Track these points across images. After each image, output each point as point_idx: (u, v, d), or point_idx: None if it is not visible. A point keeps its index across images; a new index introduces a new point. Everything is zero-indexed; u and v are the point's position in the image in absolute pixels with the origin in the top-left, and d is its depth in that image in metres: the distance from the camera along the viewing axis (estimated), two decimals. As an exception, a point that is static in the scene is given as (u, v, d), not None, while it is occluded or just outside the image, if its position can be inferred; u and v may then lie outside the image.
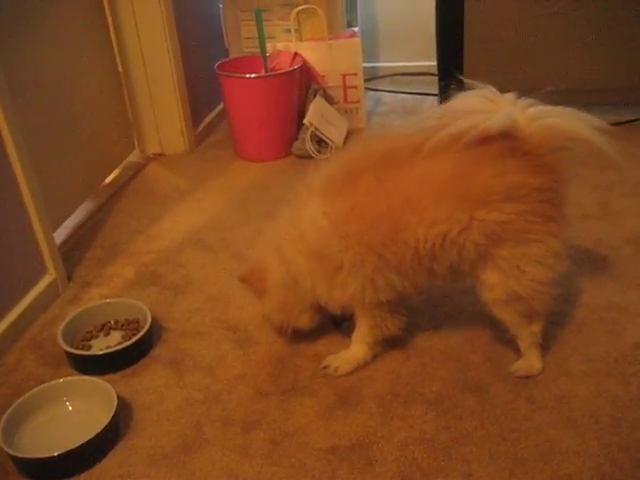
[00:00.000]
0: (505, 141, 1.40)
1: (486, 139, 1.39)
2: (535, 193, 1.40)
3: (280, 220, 1.60)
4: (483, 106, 1.43)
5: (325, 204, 1.47)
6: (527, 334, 1.57)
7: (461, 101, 1.47)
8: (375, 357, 1.67)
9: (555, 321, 1.74)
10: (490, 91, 1.46)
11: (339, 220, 1.46)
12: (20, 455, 1.42)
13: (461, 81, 2.89)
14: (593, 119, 1.43)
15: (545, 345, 1.65)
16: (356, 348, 1.65)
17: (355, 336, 1.66)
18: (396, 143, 1.49)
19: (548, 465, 1.36)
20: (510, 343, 1.66)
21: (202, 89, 3.11)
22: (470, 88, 1.49)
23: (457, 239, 1.42)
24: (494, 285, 1.48)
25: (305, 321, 1.66)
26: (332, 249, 1.47)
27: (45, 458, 1.40)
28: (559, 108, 1.44)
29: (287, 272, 1.57)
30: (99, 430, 1.43)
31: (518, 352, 1.63)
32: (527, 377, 1.58)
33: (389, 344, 1.67)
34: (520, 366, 1.60)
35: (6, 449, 1.41)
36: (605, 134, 1.41)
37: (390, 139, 1.54)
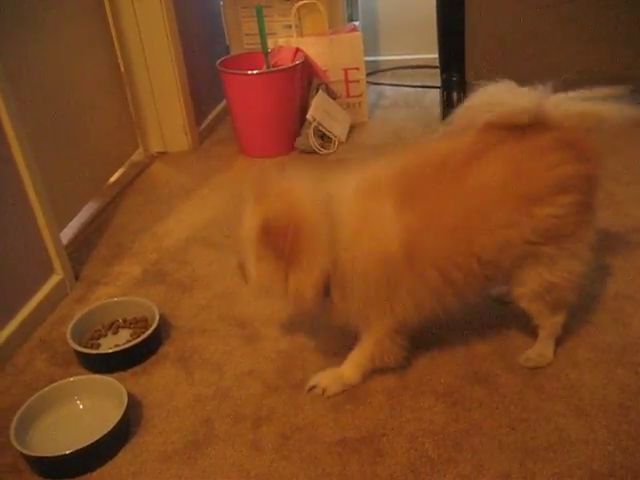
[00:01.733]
0: (544, 134, 1.39)
1: (525, 135, 1.38)
2: (583, 181, 1.40)
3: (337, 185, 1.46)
4: (505, 97, 1.43)
5: (396, 214, 1.39)
6: (550, 324, 1.57)
7: (483, 95, 1.46)
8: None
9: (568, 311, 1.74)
10: (510, 84, 1.45)
11: (409, 235, 1.38)
12: (32, 453, 1.43)
13: (463, 74, 2.89)
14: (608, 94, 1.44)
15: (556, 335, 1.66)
16: (348, 371, 1.59)
17: (352, 358, 1.59)
18: (446, 150, 1.44)
19: (558, 454, 1.36)
20: (518, 334, 1.66)
21: (204, 87, 3.12)
22: (474, 85, 1.48)
23: (516, 240, 1.40)
24: (529, 279, 1.48)
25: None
26: (399, 265, 1.40)
27: (57, 456, 1.41)
28: (577, 92, 1.44)
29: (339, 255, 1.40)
30: (110, 428, 1.44)
31: (526, 343, 1.63)
32: (537, 368, 1.58)
33: (381, 372, 1.62)
34: (531, 355, 1.60)
35: (18, 448, 1.42)
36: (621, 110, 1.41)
37: (440, 145, 1.49)
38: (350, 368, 1.59)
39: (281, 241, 1.35)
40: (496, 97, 1.44)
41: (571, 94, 1.44)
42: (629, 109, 1.41)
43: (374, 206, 1.41)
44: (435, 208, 1.40)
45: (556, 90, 1.44)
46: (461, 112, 1.48)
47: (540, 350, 1.60)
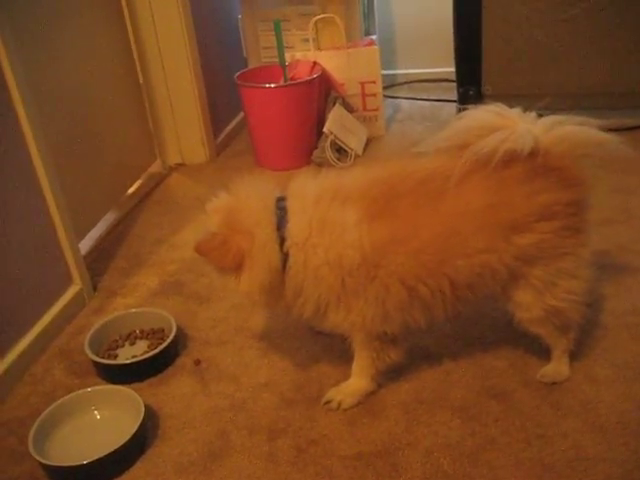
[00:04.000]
0: (528, 159, 1.38)
1: (509, 161, 1.37)
2: (566, 207, 1.40)
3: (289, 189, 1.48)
4: (494, 123, 1.41)
5: (363, 224, 1.38)
6: (563, 342, 1.57)
7: (471, 119, 1.46)
8: (398, 364, 1.65)
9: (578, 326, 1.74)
10: (498, 107, 1.44)
11: (375, 247, 1.37)
12: (50, 463, 1.44)
13: (480, 87, 2.90)
14: (599, 123, 1.43)
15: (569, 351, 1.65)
16: (358, 381, 1.59)
17: (355, 368, 1.60)
18: (428, 171, 1.42)
19: (575, 471, 1.36)
20: (533, 349, 1.66)
21: (222, 99, 3.14)
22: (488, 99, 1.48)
23: (496, 266, 1.40)
24: (530, 304, 1.47)
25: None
26: (359, 274, 1.39)
27: (74, 466, 1.42)
28: (567, 117, 1.43)
29: (293, 258, 1.42)
30: (127, 438, 1.45)
31: (542, 358, 1.63)
32: (554, 383, 1.58)
33: (395, 372, 1.63)
34: (548, 372, 1.60)
35: (36, 457, 1.43)
36: (615, 137, 1.42)
37: (422, 162, 1.47)
38: (358, 377, 1.60)
39: (216, 257, 1.44)
40: (484, 123, 1.42)
41: (559, 118, 1.43)
42: (616, 138, 1.42)
43: (336, 212, 1.40)
44: (408, 224, 1.38)
45: (555, 107, 1.44)
46: (449, 134, 1.47)
47: (556, 367, 1.60)
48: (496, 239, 1.38)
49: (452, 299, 1.44)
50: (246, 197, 1.47)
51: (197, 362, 1.76)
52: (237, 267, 1.43)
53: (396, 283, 1.39)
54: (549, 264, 1.42)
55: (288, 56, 2.93)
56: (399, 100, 3.55)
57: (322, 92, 2.92)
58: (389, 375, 1.63)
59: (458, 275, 1.40)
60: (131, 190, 2.77)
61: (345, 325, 1.48)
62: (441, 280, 1.40)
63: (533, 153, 1.38)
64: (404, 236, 1.37)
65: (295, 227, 1.41)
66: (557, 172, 1.40)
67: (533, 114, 1.44)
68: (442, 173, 1.39)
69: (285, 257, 1.42)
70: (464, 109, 1.49)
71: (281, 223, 1.42)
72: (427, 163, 1.46)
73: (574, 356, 1.63)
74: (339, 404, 1.57)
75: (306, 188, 1.46)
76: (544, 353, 1.65)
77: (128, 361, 1.73)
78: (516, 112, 1.44)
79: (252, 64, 3.27)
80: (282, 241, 1.41)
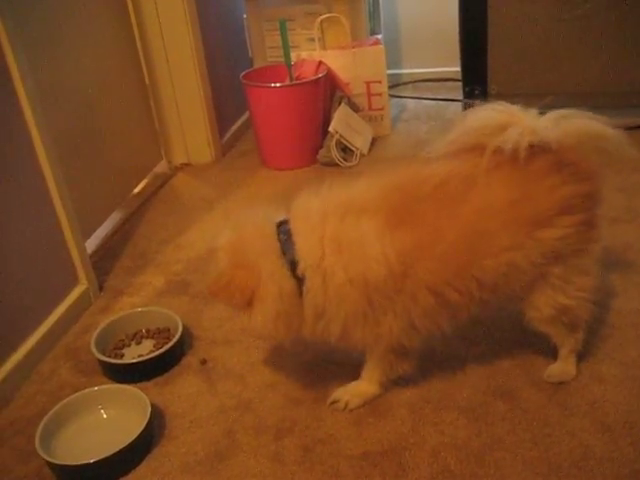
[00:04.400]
0: (541, 156, 1.37)
1: (525, 157, 1.37)
2: (584, 201, 1.39)
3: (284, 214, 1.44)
4: (503, 120, 1.40)
5: (385, 235, 1.34)
6: (571, 342, 1.56)
7: (478, 118, 1.45)
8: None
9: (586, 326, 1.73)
10: (502, 105, 1.43)
11: (401, 257, 1.33)
12: (57, 461, 1.45)
13: (485, 86, 2.89)
14: (604, 119, 1.43)
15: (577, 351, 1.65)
16: (366, 385, 1.59)
17: (366, 374, 1.59)
18: (445, 171, 1.40)
19: (582, 471, 1.35)
20: (540, 348, 1.65)
21: (227, 99, 3.14)
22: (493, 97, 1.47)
23: (521, 264, 1.38)
24: (543, 304, 1.46)
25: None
26: (386, 288, 1.35)
27: (81, 465, 1.43)
28: (571, 111, 1.42)
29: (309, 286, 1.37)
30: (134, 437, 1.45)
31: (549, 357, 1.62)
32: (560, 383, 1.58)
33: (404, 382, 1.62)
34: (554, 372, 1.59)
35: (43, 455, 1.44)
36: (621, 133, 1.42)
37: (435, 166, 1.44)
38: (367, 382, 1.59)
39: (226, 297, 1.40)
40: (491, 121, 1.41)
41: (564, 112, 1.42)
42: (622, 134, 1.41)
43: (352, 227, 1.35)
44: (432, 228, 1.35)
45: (560, 105, 1.43)
46: (457, 135, 1.47)
47: (562, 367, 1.60)
48: (520, 235, 1.36)
49: (478, 301, 1.42)
50: (245, 229, 1.44)
51: (203, 361, 1.76)
52: (248, 304, 1.38)
53: (424, 291, 1.36)
54: (567, 261, 1.42)
55: (293, 56, 2.93)
56: (404, 99, 3.55)
57: (327, 91, 2.92)
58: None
59: (485, 275, 1.38)
60: (137, 190, 2.78)
61: (370, 340, 1.44)
62: (469, 282, 1.38)
63: (544, 148, 1.37)
64: (429, 241, 1.34)
65: (305, 248, 1.37)
66: (571, 166, 1.39)
67: (535, 111, 1.43)
68: (458, 175, 1.38)
69: (300, 281, 1.37)
70: (471, 104, 1.48)
71: (286, 247, 1.38)
72: (441, 166, 1.43)
73: (581, 355, 1.63)
74: (346, 404, 1.57)
75: (309, 207, 1.42)
76: (551, 352, 1.64)
77: (134, 360, 1.73)
78: (519, 109, 1.43)
79: (257, 64, 3.27)
80: (293, 265, 1.37)
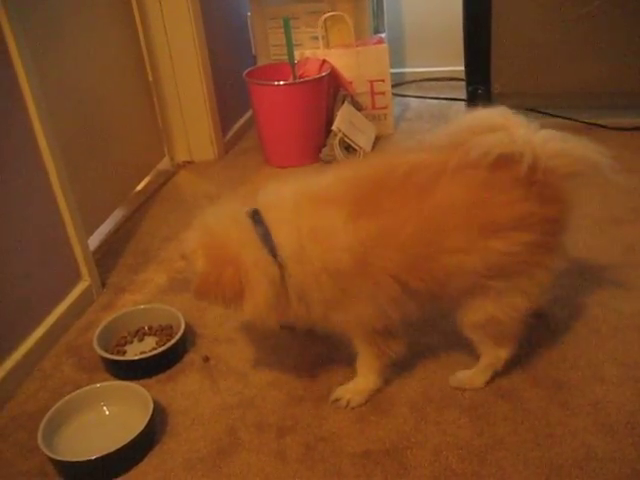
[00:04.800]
0: (515, 167, 1.35)
1: (497, 164, 1.36)
2: (542, 223, 1.38)
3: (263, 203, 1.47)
4: (497, 123, 1.40)
5: (349, 224, 1.37)
6: (492, 355, 1.56)
7: (475, 117, 1.45)
8: (407, 363, 1.67)
9: (589, 326, 1.73)
10: (502, 110, 1.43)
11: (364, 245, 1.36)
12: (59, 458, 1.45)
13: (489, 86, 2.89)
14: (596, 147, 1.41)
15: (578, 350, 1.65)
16: (364, 379, 1.59)
17: (361, 367, 1.59)
18: (416, 162, 1.42)
19: (584, 471, 1.35)
20: (543, 348, 1.66)
21: (231, 97, 3.14)
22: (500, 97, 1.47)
23: (467, 268, 1.38)
24: (476, 310, 1.46)
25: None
26: (354, 275, 1.38)
27: (83, 461, 1.43)
28: (565, 134, 1.41)
29: (290, 273, 1.41)
30: (136, 434, 1.45)
31: (551, 357, 1.63)
32: (458, 388, 1.58)
33: (403, 371, 1.64)
34: (459, 376, 1.60)
35: (46, 451, 1.44)
36: (611, 162, 1.40)
37: (409, 157, 1.46)
38: (364, 376, 1.60)
39: (216, 295, 1.42)
40: (484, 124, 1.41)
41: (560, 134, 1.41)
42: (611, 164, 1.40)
43: (322, 217, 1.39)
44: (395, 218, 1.37)
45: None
46: (452, 130, 1.47)
47: (473, 375, 1.59)
48: (472, 240, 1.36)
49: (440, 296, 1.44)
50: (217, 226, 1.45)
51: (206, 359, 1.76)
52: (239, 296, 1.41)
53: (387, 278, 1.38)
54: (510, 278, 1.41)
55: (297, 54, 2.93)
56: (408, 98, 3.54)
57: (331, 90, 2.92)
58: (397, 372, 1.64)
59: (440, 271, 1.39)
60: (139, 187, 2.77)
61: (346, 325, 1.49)
62: (428, 274, 1.39)
63: (523, 163, 1.35)
64: (391, 230, 1.37)
65: (283, 238, 1.40)
66: (540, 185, 1.37)
67: (536, 124, 1.41)
68: (428, 167, 1.39)
69: (282, 268, 1.40)
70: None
71: (265, 237, 1.40)
72: (411, 158, 1.44)
73: (583, 356, 1.63)
74: (348, 402, 1.57)
75: (281, 197, 1.45)
76: (553, 352, 1.65)
77: (137, 357, 1.74)
78: (520, 119, 1.42)
79: (261, 62, 3.27)
80: (274, 253, 1.39)
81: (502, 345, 1.54)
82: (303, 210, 1.41)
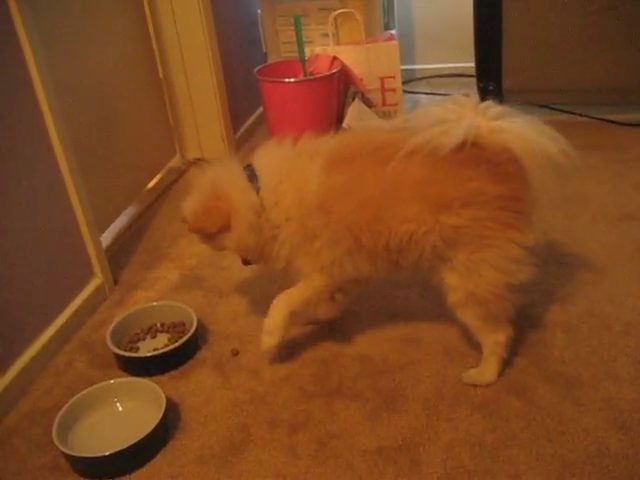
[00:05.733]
0: (470, 148, 1.43)
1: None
2: (494, 200, 1.44)
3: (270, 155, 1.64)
4: (445, 116, 1.47)
5: (322, 174, 1.53)
6: (491, 342, 1.58)
7: (426, 112, 1.56)
8: (419, 360, 1.69)
9: (601, 323, 1.73)
10: (456, 99, 1.50)
11: (328, 193, 1.51)
12: (73, 453, 1.46)
13: (500, 82, 2.88)
14: (552, 135, 1.44)
15: (590, 347, 1.65)
16: (278, 314, 1.65)
17: (287, 291, 1.67)
18: (387, 139, 1.54)
19: (597, 468, 1.35)
20: (555, 345, 1.66)
21: (241, 94, 3.15)
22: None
23: (421, 239, 1.49)
24: (455, 287, 1.52)
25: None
26: (317, 218, 1.53)
27: (97, 457, 1.44)
28: (521, 121, 1.45)
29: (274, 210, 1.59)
30: (149, 430, 1.46)
31: (563, 354, 1.63)
32: (474, 385, 1.59)
33: (415, 367, 1.67)
34: (471, 373, 1.61)
35: (60, 447, 1.45)
36: (562, 151, 1.43)
37: (383, 134, 1.62)
38: (280, 302, 1.66)
39: (208, 225, 1.61)
40: (434, 116, 1.48)
41: (511, 124, 1.45)
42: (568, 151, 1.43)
43: (304, 164, 1.56)
44: (358, 179, 1.51)
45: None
46: (400, 122, 1.64)
47: (481, 369, 1.61)
48: (424, 212, 1.46)
49: (387, 259, 1.55)
50: (215, 172, 1.65)
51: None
52: (228, 226, 1.59)
53: (344, 229, 1.52)
54: (473, 252, 1.48)
55: (307, 51, 2.93)
56: (418, 95, 3.54)
57: (341, 87, 2.92)
58: (408, 370, 1.64)
59: (391, 236, 1.50)
60: (151, 184, 2.78)
61: (307, 268, 1.61)
62: (377, 237, 1.51)
63: (476, 145, 1.43)
64: (352, 188, 1.51)
65: (266, 176, 1.59)
66: (492, 166, 1.44)
67: (491, 105, 1.47)
68: (394, 145, 1.47)
69: (261, 201, 1.58)
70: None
71: (252, 178, 1.60)
72: (387, 134, 1.60)
73: (595, 353, 1.63)
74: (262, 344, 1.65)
75: (270, 151, 1.65)
76: (565, 350, 1.65)
77: (149, 354, 1.74)
78: (473, 104, 1.48)
79: (272, 59, 3.27)
80: (257, 191, 1.58)
81: (496, 328, 1.57)
82: (287, 159, 1.61)
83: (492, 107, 1.47)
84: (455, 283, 1.52)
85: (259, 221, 1.58)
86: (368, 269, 1.58)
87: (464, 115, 1.46)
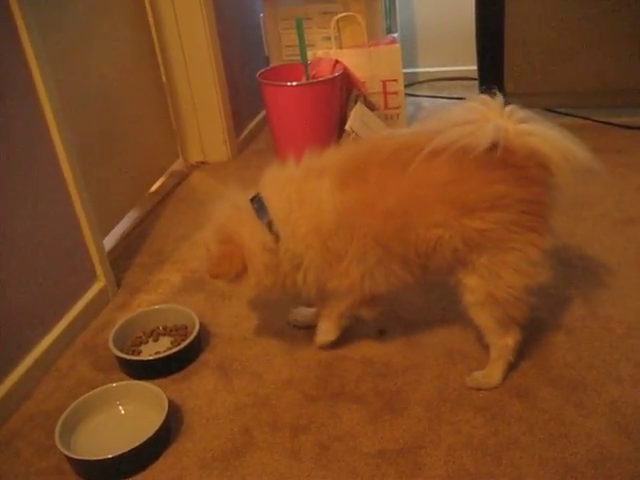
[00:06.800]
0: (495, 151, 1.41)
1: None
2: (518, 204, 1.43)
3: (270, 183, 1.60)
4: (470, 116, 1.45)
5: (336, 191, 1.48)
6: (500, 345, 1.58)
7: (452, 113, 1.50)
8: (421, 363, 1.68)
9: (604, 326, 1.73)
10: (482, 99, 1.47)
11: (347, 210, 1.47)
12: (76, 456, 1.46)
13: (502, 85, 2.88)
14: (576, 143, 1.43)
15: (593, 350, 1.65)
16: (328, 320, 1.71)
17: (325, 318, 1.71)
18: (402, 143, 1.50)
19: (599, 471, 1.35)
20: (558, 348, 1.65)
21: (244, 98, 3.15)
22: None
23: (447, 243, 1.46)
24: (474, 288, 1.52)
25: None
26: (339, 237, 1.49)
27: (99, 460, 1.44)
28: (547, 125, 1.44)
29: (284, 246, 1.54)
30: (151, 433, 1.46)
31: (566, 357, 1.63)
32: (479, 389, 1.59)
33: (418, 370, 1.67)
34: (476, 376, 1.61)
35: (63, 450, 1.45)
36: (585, 158, 1.42)
37: (396, 139, 1.56)
38: (327, 310, 1.70)
39: (225, 271, 1.57)
40: (461, 117, 1.46)
41: (539, 122, 1.44)
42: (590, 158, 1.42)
43: (313, 186, 1.51)
44: (377, 189, 1.46)
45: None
46: (431, 125, 1.53)
47: (486, 372, 1.61)
48: (449, 217, 1.44)
49: (418, 262, 1.51)
50: (221, 213, 1.61)
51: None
52: (243, 270, 1.55)
53: (371, 242, 1.48)
54: (495, 254, 1.47)
55: (310, 54, 2.93)
56: (420, 98, 3.54)
57: (344, 90, 2.93)
58: (410, 373, 1.64)
59: (419, 242, 1.47)
60: (154, 188, 2.79)
61: (341, 289, 1.56)
62: (406, 244, 1.48)
63: (500, 146, 1.40)
64: (373, 200, 1.46)
65: (276, 207, 1.53)
66: (516, 169, 1.43)
67: (515, 109, 1.45)
68: (413, 145, 1.44)
69: (277, 235, 1.53)
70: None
71: (261, 212, 1.54)
72: (400, 136, 1.57)
73: (598, 356, 1.63)
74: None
75: (276, 175, 1.60)
76: (568, 353, 1.64)
77: (152, 357, 1.75)
78: (499, 105, 1.46)
79: (274, 62, 3.27)
80: (270, 225, 1.53)
81: (507, 331, 1.56)
82: (294, 182, 1.55)
83: (518, 110, 1.45)
84: (474, 284, 1.51)
85: (275, 259, 1.53)
86: (401, 275, 1.53)
87: (489, 117, 1.43)
